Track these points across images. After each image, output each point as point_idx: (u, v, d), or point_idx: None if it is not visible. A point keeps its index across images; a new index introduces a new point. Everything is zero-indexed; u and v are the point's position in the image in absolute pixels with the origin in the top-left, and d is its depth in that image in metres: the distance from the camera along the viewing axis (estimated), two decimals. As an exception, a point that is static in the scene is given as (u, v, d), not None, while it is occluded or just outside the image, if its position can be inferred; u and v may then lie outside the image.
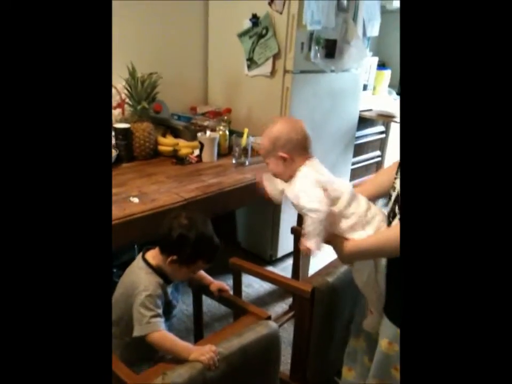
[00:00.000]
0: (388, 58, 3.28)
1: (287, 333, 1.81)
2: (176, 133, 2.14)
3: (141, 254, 1.27)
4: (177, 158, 1.93)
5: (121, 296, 1.22)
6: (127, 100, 1.95)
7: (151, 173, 1.78)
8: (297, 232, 1.83)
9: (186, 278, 1.31)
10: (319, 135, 2.33)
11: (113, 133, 1.86)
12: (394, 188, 1.02)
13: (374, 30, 2.52)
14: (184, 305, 2.05)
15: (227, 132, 2.07)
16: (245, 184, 1.75)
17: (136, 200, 1.48)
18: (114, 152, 1.82)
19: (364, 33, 2.44)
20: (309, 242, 0.99)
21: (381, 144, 3.22)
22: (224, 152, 2.07)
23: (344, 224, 1.03)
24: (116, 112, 2.01)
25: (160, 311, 1.16)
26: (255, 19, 2.14)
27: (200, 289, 1.45)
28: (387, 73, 3.22)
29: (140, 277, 1.20)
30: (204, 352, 1.03)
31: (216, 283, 1.37)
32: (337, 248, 1.05)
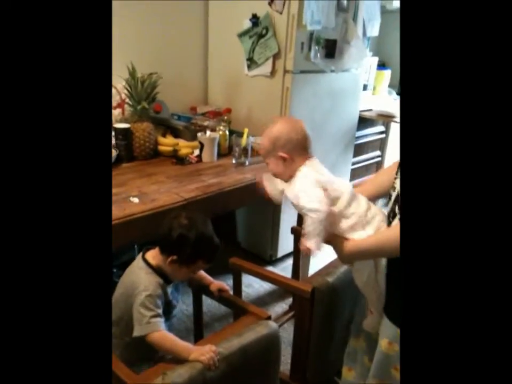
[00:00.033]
0: (387, 58, 3.28)
1: (287, 333, 1.81)
2: (176, 133, 2.14)
3: (141, 254, 1.27)
4: (177, 158, 1.93)
5: (121, 296, 1.22)
6: (127, 100, 1.95)
7: (151, 173, 1.78)
8: (297, 232, 1.83)
9: (186, 278, 1.31)
10: (319, 135, 2.34)
11: (113, 133, 1.86)
12: (394, 188, 1.02)
13: (374, 30, 2.52)
14: (184, 305, 2.05)
15: (227, 132, 2.07)
16: (245, 184, 1.75)
17: (136, 200, 1.48)
18: (114, 152, 1.82)
19: (364, 33, 2.44)
20: (309, 242, 0.99)
21: (381, 144, 3.22)
22: (224, 152, 2.07)
23: (344, 224, 1.03)
24: (116, 112, 2.01)
25: (160, 311, 1.16)
26: (255, 19, 2.14)
27: (200, 289, 1.45)
28: (387, 73, 3.22)
29: (139, 277, 1.20)
30: (204, 352, 1.03)
31: (216, 283, 1.37)
32: (337, 248, 1.05)
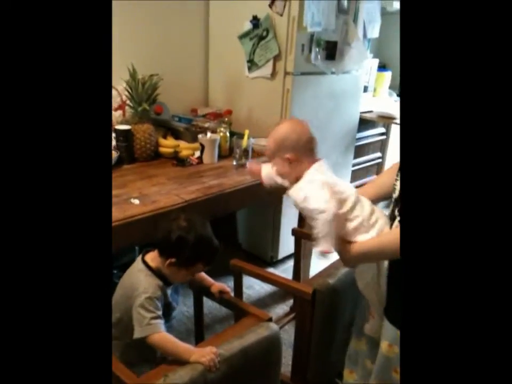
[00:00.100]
0: (388, 59, 3.28)
1: (288, 335, 1.81)
2: (176, 135, 2.14)
3: (140, 256, 1.27)
4: (178, 160, 1.94)
5: (121, 297, 1.22)
6: (128, 102, 1.95)
7: (152, 174, 1.78)
8: (298, 234, 1.83)
9: (185, 280, 1.30)
10: (320, 137, 2.29)
11: (114, 135, 1.86)
12: (395, 190, 1.02)
13: (374, 32, 2.52)
14: (185, 306, 2.05)
15: (228, 134, 2.07)
16: (246, 185, 1.75)
17: (136, 201, 1.48)
18: (115, 154, 1.82)
19: (364, 35, 2.44)
20: (321, 246, 0.99)
21: (382, 146, 3.22)
22: (225, 153, 2.07)
23: (348, 227, 1.03)
24: (116, 114, 2.01)
25: (160, 312, 1.16)
26: (255, 21, 2.14)
27: (201, 291, 1.45)
28: (387, 75, 3.22)
29: (139, 279, 1.20)
30: (205, 354, 1.03)
31: (217, 285, 1.37)
32: (340, 250, 1.05)
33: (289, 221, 2.27)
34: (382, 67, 3.22)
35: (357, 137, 2.77)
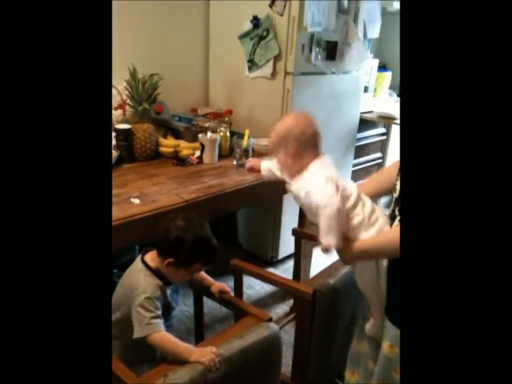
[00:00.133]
0: (388, 60, 3.28)
1: (288, 335, 1.81)
2: (177, 134, 2.14)
3: (140, 256, 1.27)
4: (178, 159, 1.93)
5: (120, 297, 1.22)
6: (128, 101, 1.95)
7: (152, 174, 1.78)
8: (298, 234, 1.83)
9: (185, 280, 1.30)
10: (320, 137, 2.33)
11: (114, 134, 1.86)
12: (395, 189, 1.02)
13: (374, 32, 2.52)
14: (185, 306, 2.05)
15: (228, 133, 2.07)
16: (246, 185, 1.75)
17: (137, 201, 1.47)
18: (115, 153, 1.82)
19: (365, 35, 2.44)
20: (325, 239, 0.98)
21: (382, 146, 3.22)
22: (225, 153, 2.07)
23: (348, 225, 1.02)
24: (117, 113, 2.01)
25: (159, 312, 1.16)
26: (255, 21, 2.14)
27: (201, 291, 1.45)
28: (388, 75, 3.22)
29: (139, 279, 1.20)
30: (205, 354, 1.03)
31: (217, 284, 1.37)
32: (339, 248, 1.04)
33: (289, 220, 2.27)
34: (382, 67, 3.21)
35: (357, 137, 2.77)
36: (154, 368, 1.08)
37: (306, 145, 1.06)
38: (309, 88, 2.23)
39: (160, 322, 1.14)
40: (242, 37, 2.22)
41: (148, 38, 2.24)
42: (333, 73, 2.28)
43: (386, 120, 2.90)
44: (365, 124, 2.83)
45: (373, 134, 3.04)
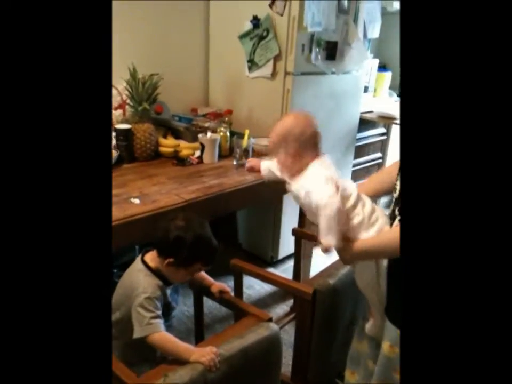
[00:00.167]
0: (388, 60, 3.28)
1: (288, 335, 1.81)
2: (177, 134, 2.14)
3: (140, 256, 1.27)
4: (178, 159, 1.93)
5: (120, 297, 1.22)
6: (128, 101, 1.95)
7: (152, 174, 1.78)
8: (298, 234, 1.83)
9: (185, 280, 1.30)
10: (320, 137, 2.33)
11: (114, 134, 1.86)
12: (395, 190, 1.02)
13: (374, 32, 2.52)
14: (185, 306, 2.05)
15: (228, 133, 2.07)
16: (246, 185, 1.75)
17: (137, 201, 1.47)
18: (115, 153, 1.81)
19: (365, 35, 2.44)
20: (325, 239, 0.98)
21: (382, 146, 3.22)
22: (225, 153, 2.07)
23: (348, 225, 1.02)
24: (117, 113, 2.01)
25: (159, 312, 1.16)
26: (255, 21, 2.14)
27: (201, 291, 1.45)
28: (388, 75, 3.22)
29: (138, 279, 1.20)
30: (205, 354, 1.03)
31: (217, 284, 1.37)
32: (339, 248, 1.04)
33: (289, 221, 2.27)
34: (382, 67, 3.21)
35: (357, 137, 2.77)
36: (154, 368, 1.08)
37: (306, 145, 1.06)
38: (309, 88, 2.23)
39: (160, 322, 1.14)
40: (242, 37, 2.22)
41: (148, 38, 2.24)
42: (333, 73, 2.28)
43: (386, 120, 2.90)
44: (365, 124, 2.83)
45: (373, 134, 3.04)
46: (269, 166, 1.17)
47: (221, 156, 2.03)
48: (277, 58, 2.13)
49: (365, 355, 1.20)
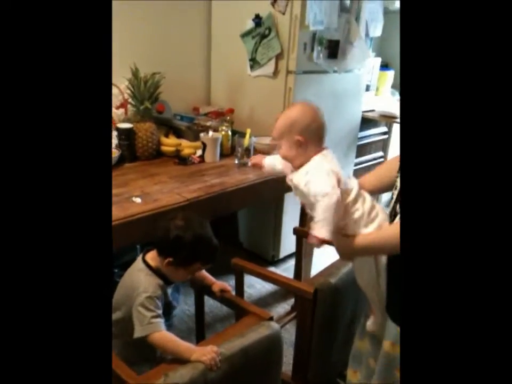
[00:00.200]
0: (390, 58, 3.27)
1: (289, 334, 1.81)
2: (178, 133, 2.14)
3: (141, 255, 1.27)
4: (179, 158, 1.93)
5: (121, 297, 1.23)
6: (130, 100, 1.95)
7: (154, 173, 1.78)
8: (299, 233, 1.83)
9: (185, 279, 1.30)
10: (322, 136, 2.33)
11: (116, 133, 1.87)
12: (396, 187, 1.02)
13: (376, 31, 2.52)
14: (186, 305, 2.05)
15: (229, 132, 2.07)
16: (248, 184, 1.75)
17: (138, 200, 1.48)
18: (116, 152, 1.82)
19: (367, 34, 2.44)
20: (318, 231, 0.96)
21: (384, 145, 3.22)
22: (227, 152, 2.07)
23: (348, 220, 1.02)
24: (118, 112, 2.01)
25: (160, 311, 1.16)
26: (257, 19, 2.14)
27: (202, 290, 1.45)
28: (390, 74, 3.21)
29: (139, 278, 1.20)
30: (206, 353, 1.03)
31: (218, 283, 1.37)
32: (338, 243, 1.04)
33: (290, 220, 2.27)
34: (384, 66, 3.21)
35: (359, 136, 2.76)
36: (154, 367, 1.08)
37: (311, 137, 1.05)
38: (310, 86, 2.22)
39: (161, 321, 1.14)
40: (244, 35, 2.22)
41: (150, 37, 2.24)
42: (334, 71, 2.28)
43: (388, 119, 2.89)
44: (366, 122, 2.83)
45: (374, 133, 3.04)
46: (272, 161, 1.17)
47: (223, 155, 2.03)
48: (279, 57, 2.13)
49: (367, 353, 1.20)
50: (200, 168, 1.88)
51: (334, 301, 1.31)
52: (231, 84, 2.44)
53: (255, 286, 2.30)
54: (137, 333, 1.12)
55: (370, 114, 2.84)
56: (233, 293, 1.44)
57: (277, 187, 1.82)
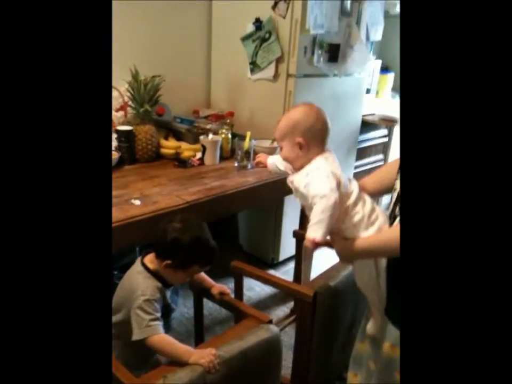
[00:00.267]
0: (391, 61, 3.28)
1: (288, 337, 1.81)
2: (178, 136, 2.14)
3: (139, 258, 1.27)
4: (179, 161, 1.94)
5: (121, 299, 1.22)
6: (130, 103, 1.95)
7: (153, 175, 1.78)
8: (299, 236, 1.83)
9: (184, 282, 1.30)
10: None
11: (115, 135, 1.87)
12: (395, 189, 1.02)
13: (377, 35, 2.52)
14: (185, 308, 2.05)
15: (229, 135, 2.08)
16: (247, 187, 1.75)
17: (137, 202, 1.48)
18: (116, 155, 1.82)
19: (367, 38, 2.44)
20: (313, 233, 0.95)
21: (384, 148, 3.22)
22: (227, 155, 2.07)
23: (348, 223, 1.02)
24: (118, 115, 2.01)
25: (158, 314, 1.16)
26: (258, 23, 2.14)
27: (201, 292, 1.45)
28: (390, 77, 3.21)
29: (138, 281, 1.20)
30: (204, 355, 1.03)
31: (217, 286, 1.37)
32: (338, 246, 1.04)
33: (290, 222, 2.27)
34: (385, 69, 3.21)
35: (359, 139, 2.77)
36: (152, 370, 1.07)
37: (313, 139, 1.04)
38: (311, 90, 2.23)
39: (159, 324, 1.13)
40: (245, 39, 2.22)
41: (150, 40, 2.25)
42: (335, 75, 2.28)
43: (388, 122, 2.89)
44: (367, 126, 2.83)
45: (375, 136, 3.04)
46: (275, 161, 1.17)
47: (222, 158, 2.03)
48: (279, 61, 2.14)
49: (367, 356, 1.20)
50: (199, 171, 1.88)
51: (333, 304, 1.31)
52: (231, 86, 2.44)
53: (255, 289, 2.30)
54: (136, 336, 1.12)
55: (370, 118, 2.84)
56: (233, 295, 1.43)
57: (277, 190, 1.83)
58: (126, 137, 1.86)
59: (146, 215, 1.41)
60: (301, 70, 2.12)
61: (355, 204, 1.03)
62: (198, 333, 1.58)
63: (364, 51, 2.36)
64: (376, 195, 1.15)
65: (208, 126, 2.13)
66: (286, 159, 1.09)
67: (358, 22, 2.32)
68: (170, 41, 2.33)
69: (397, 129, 3.07)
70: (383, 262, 1.04)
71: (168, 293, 1.25)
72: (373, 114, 2.90)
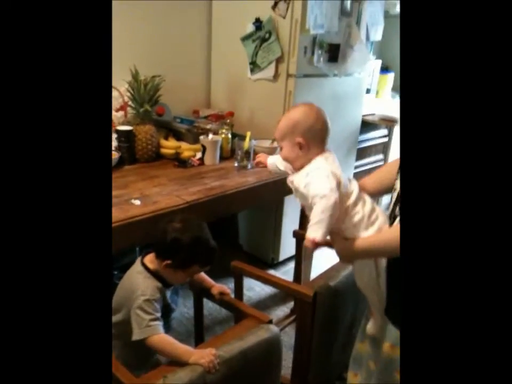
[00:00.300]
0: (391, 61, 3.28)
1: (288, 337, 1.81)
2: (178, 136, 2.14)
3: (140, 258, 1.27)
4: (179, 161, 1.94)
5: (121, 299, 1.22)
6: (130, 103, 1.95)
7: (153, 175, 1.78)
8: (299, 236, 1.83)
9: (184, 282, 1.30)
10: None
11: (115, 135, 1.87)
12: (395, 189, 1.02)
13: (377, 35, 2.52)
14: (185, 308, 2.05)
15: (229, 135, 2.08)
16: (247, 187, 1.75)
17: (137, 202, 1.48)
18: (116, 155, 1.82)
19: (367, 38, 2.44)
20: (314, 233, 0.95)
21: (384, 148, 3.22)
22: (227, 155, 2.07)
23: (348, 223, 1.02)
24: (118, 115, 2.01)
25: (159, 314, 1.16)
26: (258, 23, 2.14)
27: (201, 292, 1.45)
28: (390, 77, 3.21)
29: (138, 281, 1.20)
30: (204, 355, 1.03)
31: (217, 286, 1.37)
32: (338, 246, 1.04)
33: (290, 222, 2.27)
34: (385, 69, 3.21)
35: (359, 139, 2.77)
36: (152, 370, 1.07)
37: (313, 139, 1.04)
38: (311, 90, 2.23)
39: (159, 324, 1.13)
40: (245, 39, 2.22)
41: (150, 40, 2.25)
42: (335, 75, 2.28)
43: (388, 122, 2.89)
44: (367, 126, 2.83)
45: (375, 136, 3.04)
46: (275, 161, 1.17)
47: (222, 158, 2.03)
48: (279, 61, 2.14)
49: (367, 356, 1.20)
50: (199, 171, 1.88)
51: (333, 304, 1.31)
52: (231, 86, 2.44)
53: (255, 289, 2.30)
54: (136, 336, 1.12)
55: (370, 118, 2.84)
56: (233, 295, 1.43)
57: (277, 190, 1.83)
58: (126, 137, 1.86)
59: (146, 215, 1.41)
60: (301, 70, 2.12)
61: (355, 204, 1.03)
62: (198, 333, 1.58)
63: (364, 51, 2.36)
64: (376, 195, 1.15)
65: (208, 126, 2.13)
66: (286, 159, 1.09)
67: (358, 22, 2.32)
68: (170, 41, 2.33)
69: (397, 129, 3.07)
70: (383, 262, 1.04)
71: (168, 293, 1.25)
72: (373, 114, 2.90)
